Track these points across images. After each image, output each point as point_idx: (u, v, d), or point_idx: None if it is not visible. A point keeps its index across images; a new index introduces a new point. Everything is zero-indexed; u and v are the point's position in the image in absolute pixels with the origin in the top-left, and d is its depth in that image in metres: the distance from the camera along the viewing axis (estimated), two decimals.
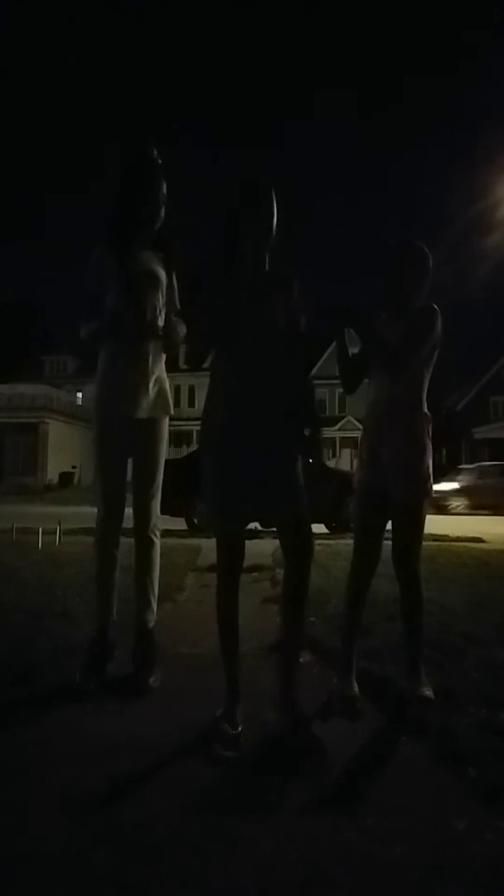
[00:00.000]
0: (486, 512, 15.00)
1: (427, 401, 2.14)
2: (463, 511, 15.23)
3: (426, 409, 2.12)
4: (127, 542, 2.35)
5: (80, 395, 31.88)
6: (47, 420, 27.59)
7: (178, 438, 28.17)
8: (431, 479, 2.11)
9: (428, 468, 2.09)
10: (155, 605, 2.36)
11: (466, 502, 15.55)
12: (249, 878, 1.16)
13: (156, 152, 2.25)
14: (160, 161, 2.25)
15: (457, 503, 15.52)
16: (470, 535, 8.20)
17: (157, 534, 2.36)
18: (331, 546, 5.91)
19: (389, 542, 2.14)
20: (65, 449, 27.39)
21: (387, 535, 2.16)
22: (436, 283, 2.19)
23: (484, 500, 15.45)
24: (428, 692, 2.01)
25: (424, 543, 2.26)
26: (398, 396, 2.08)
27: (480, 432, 29.26)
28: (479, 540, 7.75)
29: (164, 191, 2.26)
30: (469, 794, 1.47)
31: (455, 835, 1.30)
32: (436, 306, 2.08)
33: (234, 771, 1.58)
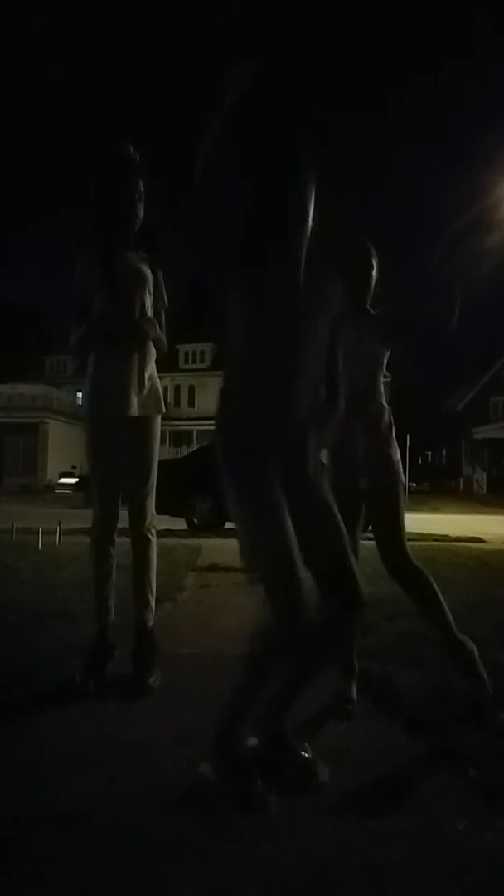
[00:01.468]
0: (486, 511, 15.00)
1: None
2: None
3: (384, 402, 2.12)
4: (124, 542, 2.35)
5: (80, 395, 31.81)
6: (47, 420, 27.59)
7: (177, 438, 28.16)
8: (401, 471, 2.09)
9: (397, 459, 2.07)
10: (153, 604, 2.35)
11: None
12: (249, 878, 1.16)
13: (131, 150, 2.26)
14: (135, 160, 2.26)
15: None
16: (470, 535, 8.20)
17: (153, 532, 2.36)
18: None
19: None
20: (65, 449, 27.37)
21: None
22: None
23: None
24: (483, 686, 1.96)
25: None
26: (357, 393, 1.98)
27: (480, 432, 29.23)
28: (479, 540, 7.75)
29: (141, 189, 2.27)
30: (469, 794, 1.47)
31: (455, 835, 1.30)
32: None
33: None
